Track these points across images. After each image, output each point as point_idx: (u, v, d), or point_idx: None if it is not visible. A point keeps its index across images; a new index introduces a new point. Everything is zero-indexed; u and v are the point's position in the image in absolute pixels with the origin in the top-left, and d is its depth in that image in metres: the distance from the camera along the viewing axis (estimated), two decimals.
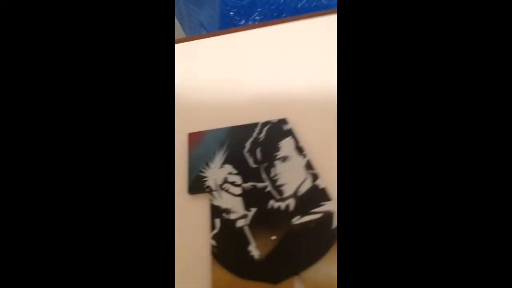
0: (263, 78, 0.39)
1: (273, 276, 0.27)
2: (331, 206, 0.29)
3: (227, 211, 0.30)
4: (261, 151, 0.33)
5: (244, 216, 0.30)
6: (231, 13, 0.55)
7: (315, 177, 0.31)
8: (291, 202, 0.30)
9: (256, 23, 0.55)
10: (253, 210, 0.30)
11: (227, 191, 0.31)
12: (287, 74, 0.39)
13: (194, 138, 0.35)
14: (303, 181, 0.31)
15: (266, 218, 0.30)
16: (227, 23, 0.59)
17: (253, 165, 0.32)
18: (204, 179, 0.32)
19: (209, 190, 0.32)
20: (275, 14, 0.58)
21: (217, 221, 0.30)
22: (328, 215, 0.29)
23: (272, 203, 0.30)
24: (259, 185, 0.31)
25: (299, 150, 0.32)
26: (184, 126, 0.37)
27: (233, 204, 0.31)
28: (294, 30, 0.43)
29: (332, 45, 0.40)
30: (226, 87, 0.39)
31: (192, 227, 0.31)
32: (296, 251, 0.28)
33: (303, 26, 0.43)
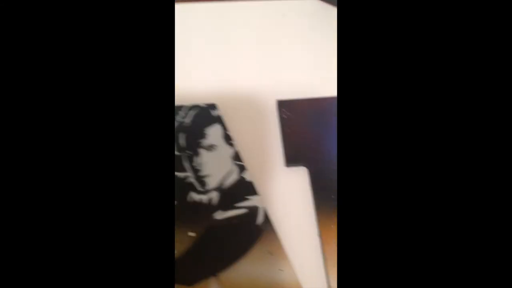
0: (192, 61, 0.35)
1: (187, 277, 0.24)
2: (258, 201, 0.27)
3: None
4: (185, 137, 0.30)
5: None
6: None
7: (242, 169, 0.28)
8: (214, 195, 0.27)
9: None
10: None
11: None
12: (221, 59, 0.36)
13: None
14: (229, 173, 0.28)
15: (184, 212, 0.27)
16: None
17: (176, 152, 0.29)
18: None
19: None
20: None
21: None
22: (253, 211, 0.27)
23: (193, 196, 0.27)
24: (180, 175, 0.28)
25: (227, 138, 0.30)
26: None
27: None
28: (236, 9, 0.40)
29: (271, 31, 0.37)
30: None
31: None
32: (215, 249, 0.25)
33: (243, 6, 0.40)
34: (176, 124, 0.30)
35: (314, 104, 0.31)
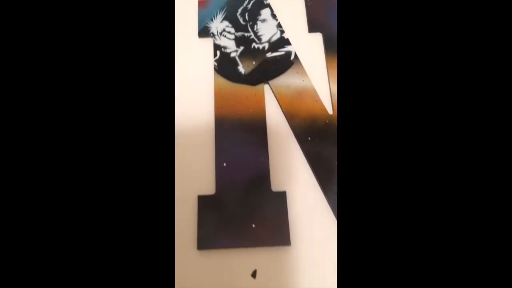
0: None
1: (252, 81, 0.44)
2: (291, 48, 0.47)
3: (225, 47, 0.47)
4: (248, 15, 0.49)
5: (235, 51, 0.47)
6: None
7: (282, 32, 0.48)
8: (266, 45, 0.47)
9: None
10: (241, 48, 0.47)
11: (225, 36, 0.48)
12: None
13: (203, 2, 0.51)
14: (274, 34, 0.48)
15: (250, 52, 0.46)
16: None
17: (243, 23, 0.49)
18: (209, 29, 0.48)
19: (212, 35, 0.48)
20: None
21: (218, 52, 0.46)
22: (288, 52, 0.46)
23: (254, 45, 0.47)
24: (246, 34, 0.48)
25: (274, 16, 0.49)
26: None
27: (228, 44, 0.47)
28: None
29: None
30: None
31: (201, 57, 0.47)
32: (267, 68, 0.45)
33: None
34: (242, 7, 0.50)
35: None
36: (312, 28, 0.48)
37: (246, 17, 0.49)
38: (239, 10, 0.50)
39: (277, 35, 0.48)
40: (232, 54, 0.47)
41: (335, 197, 0.38)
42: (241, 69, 0.46)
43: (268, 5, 0.50)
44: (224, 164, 0.40)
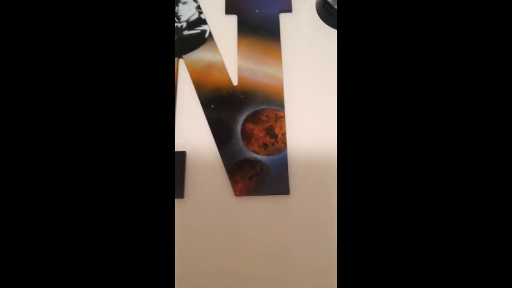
0: None
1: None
2: (206, 27, 0.51)
3: None
4: None
5: None
6: None
7: (200, 12, 0.52)
8: (184, 24, 0.52)
9: None
10: None
11: None
12: None
13: None
14: (193, 14, 0.52)
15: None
16: None
17: None
18: None
19: None
20: None
21: None
22: (204, 31, 0.51)
23: (176, 24, 0.51)
24: None
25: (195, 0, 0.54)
26: None
27: None
28: None
29: None
30: None
31: None
32: (182, 43, 0.50)
33: None
34: None
35: None
36: (228, 10, 0.53)
37: None
38: None
39: (195, 16, 0.52)
40: None
41: (228, 158, 0.43)
42: None
43: None
44: None
